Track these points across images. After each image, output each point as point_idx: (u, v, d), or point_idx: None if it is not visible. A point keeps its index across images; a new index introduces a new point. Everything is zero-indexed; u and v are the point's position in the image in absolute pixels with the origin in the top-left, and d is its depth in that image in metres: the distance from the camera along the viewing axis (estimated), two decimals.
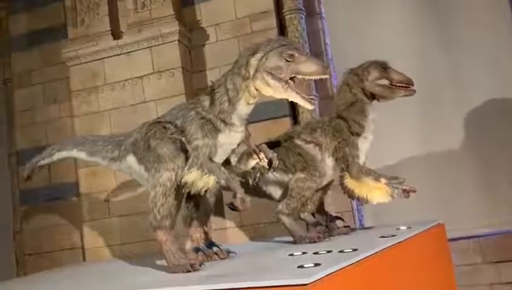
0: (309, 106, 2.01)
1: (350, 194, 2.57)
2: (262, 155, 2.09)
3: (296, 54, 1.95)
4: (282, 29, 3.97)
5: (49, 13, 4.50)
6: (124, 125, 3.71)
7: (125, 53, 4.02)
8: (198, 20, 4.16)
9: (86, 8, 4.20)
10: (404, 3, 4.05)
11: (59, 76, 4.35)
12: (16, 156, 4.48)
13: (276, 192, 2.70)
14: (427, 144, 3.82)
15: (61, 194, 4.25)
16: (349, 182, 2.54)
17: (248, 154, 2.11)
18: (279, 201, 2.61)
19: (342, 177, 2.59)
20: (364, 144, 2.61)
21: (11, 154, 4.60)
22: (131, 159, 2.22)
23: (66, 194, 4.23)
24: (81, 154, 2.44)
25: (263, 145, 2.15)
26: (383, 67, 2.60)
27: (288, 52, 1.94)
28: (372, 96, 2.61)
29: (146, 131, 2.14)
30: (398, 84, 2.58)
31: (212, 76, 4.03)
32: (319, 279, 1.36)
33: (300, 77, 1.97)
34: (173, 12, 3.98)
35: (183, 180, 1.95)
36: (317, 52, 4.01)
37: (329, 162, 2.60)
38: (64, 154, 2.54)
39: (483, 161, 3.73)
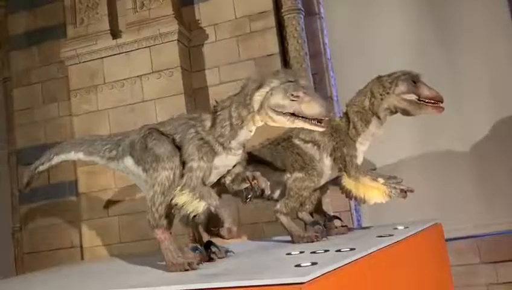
0: (320, 129, 1.99)
1: (348, 194, 2.57)
2: (255, 182, 2.05)
3: (301, 94, 1.92)
4: (281, 29, 3.97)
5: (48, 12, 4.50)
6: (123, 124, 3.72)
7: (124, 52, 4.03)
8: (198, 20, 4.16)
9: (85, 7, 4.20)
10: (403, 3, 4.05)
11: (58, 75, 4.36)
12: (15, 155, 4.48)
13: (275, 191, 2.70)
14: (424, 144, 3.82)
15: (60, 193, 4.25)
16: (347, 182, 2.53)
17: (243, 179, 2.08)
18: (277, 200, 2.61)
19: (339, 177, 2.59)
20: (359, 148, 2.60)
21: (10, 154, 4.60)
22: (128, 161, 2.22)
23: (65, 193, 4.23)
24: (80, 155, 2.44)
25: (258, 173, 2.11)
26: (413, 81, 2.46)
27: (293, 93, 1.92)
28: (396, 110, 2.52)
29: (144, 133, 2.15)
30: (426, 101, 2.45)
31: (211, 75, 4.04)
32: (315, 278, 1.37)
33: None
34: (172, 12, 3.98)
35: (173, 201, 1.96)
36: (315, 52, 4.01)
37: (328, 161, 2.59)
38: (62, 157, 2.54)
39: (480, 160, 3.73)
